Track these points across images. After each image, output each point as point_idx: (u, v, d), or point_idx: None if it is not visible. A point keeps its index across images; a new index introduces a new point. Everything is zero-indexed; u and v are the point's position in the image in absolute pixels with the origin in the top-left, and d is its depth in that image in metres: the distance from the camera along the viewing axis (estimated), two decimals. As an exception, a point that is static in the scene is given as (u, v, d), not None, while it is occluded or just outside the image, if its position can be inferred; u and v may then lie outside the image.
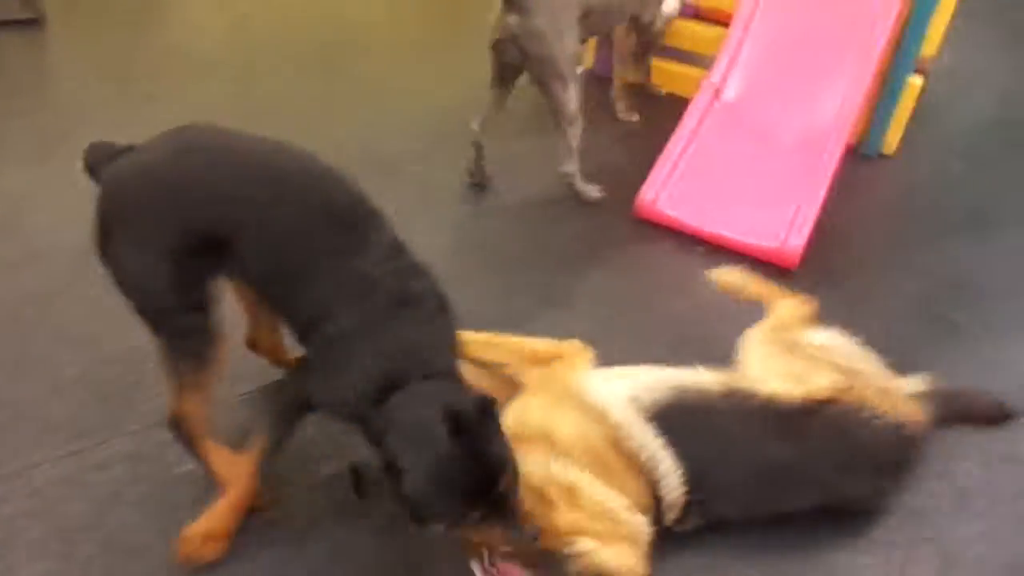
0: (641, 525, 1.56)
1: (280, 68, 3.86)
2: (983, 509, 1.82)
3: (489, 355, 1.88)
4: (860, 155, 3.35)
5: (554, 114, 2.77)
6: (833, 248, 2.71)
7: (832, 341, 1.94)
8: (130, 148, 1.52)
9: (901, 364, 1.98)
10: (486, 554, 1.45)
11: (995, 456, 1.95)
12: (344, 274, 1.46)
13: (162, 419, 1.83)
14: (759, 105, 2.92)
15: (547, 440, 1.60)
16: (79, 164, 1.52)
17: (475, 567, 1.47)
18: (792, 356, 1.84)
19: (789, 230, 2.57)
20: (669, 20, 3.48)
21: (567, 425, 1.63)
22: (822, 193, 2.65)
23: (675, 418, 1.65)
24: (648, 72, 3.67)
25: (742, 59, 3.00)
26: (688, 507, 1.61)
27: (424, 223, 2.65)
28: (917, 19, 3.06)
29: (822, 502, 1.69)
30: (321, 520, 1.67)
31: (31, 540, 1.59)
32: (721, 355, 1.90)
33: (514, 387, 1.82)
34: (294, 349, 1.77)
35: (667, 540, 1.60)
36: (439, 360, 1.47)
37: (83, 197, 1.51)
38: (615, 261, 2.64)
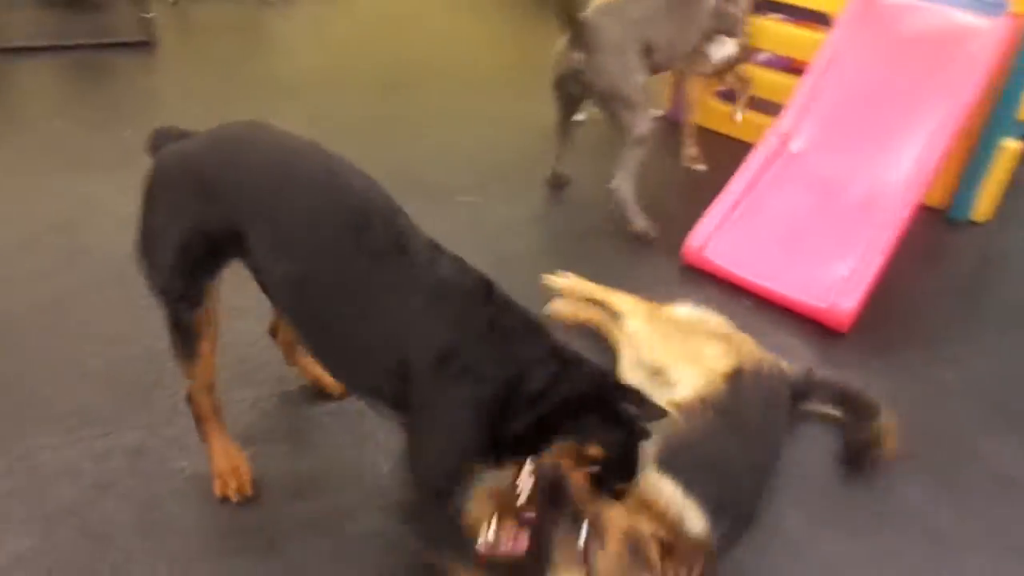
0: None
1: (354, 93, 4.00)
2: None
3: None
4: (946, 220, 3.13)
5: (621, 134, 2.75)
6: (895, 317, 2.51)
7: (692, 312, 2.06)
8: (186, 134, 1.57)
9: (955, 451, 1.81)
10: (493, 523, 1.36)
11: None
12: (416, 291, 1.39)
13: (171, 415, 1.90)
14: (827, 159, 2.76)
15: None
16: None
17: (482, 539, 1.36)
18: (679, 336, 1.91)
19: (840, 291, 2.40)
20: (726, 64, 3.35)
21: None
22: (881, 255, 2.45)
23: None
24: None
25: (814, 109, 2.86)
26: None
27: (469, 253, 2.63)
28: (1015, 78, 2.85)
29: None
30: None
31: (18, 519, 1.63)
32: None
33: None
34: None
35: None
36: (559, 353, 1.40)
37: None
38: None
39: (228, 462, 1.70)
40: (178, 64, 4.24)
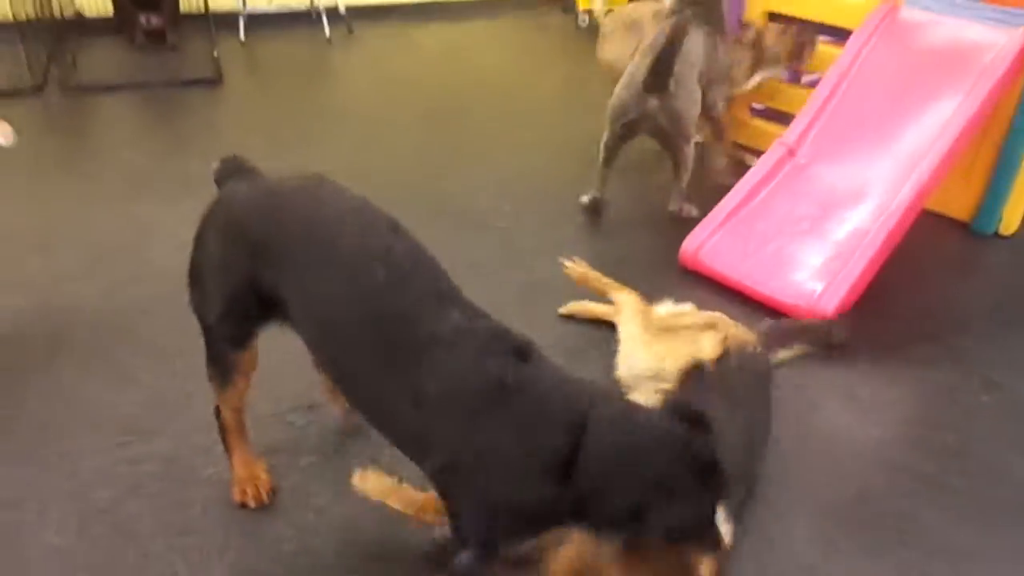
0: None
1: (403, 123, 4.15)
2: None
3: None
4: (971, 232, 3.07)
5: (676, 165, 3.05)
6: (902, 326, 2.51)
7: (673, 306, 2.21)
8: (252, 170, 1.63)
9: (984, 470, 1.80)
10: None
11: None
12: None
13: (203, 426, 2.02)
14: (831, 171, 2.80)
15: None
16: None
17: None
18: (670, 334, 2.02)
19: (824, 291, 2.44)
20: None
21: None
22: (869, 256, 2.47)
23: None
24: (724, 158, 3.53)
25: (824, 121, 2.90)
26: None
27: (500, 277, 2.74)
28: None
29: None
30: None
31: (56, 516, 1.77)
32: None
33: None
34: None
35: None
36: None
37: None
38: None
39: (248, 471, 1.82)
40: (242, 99, 4.50)
